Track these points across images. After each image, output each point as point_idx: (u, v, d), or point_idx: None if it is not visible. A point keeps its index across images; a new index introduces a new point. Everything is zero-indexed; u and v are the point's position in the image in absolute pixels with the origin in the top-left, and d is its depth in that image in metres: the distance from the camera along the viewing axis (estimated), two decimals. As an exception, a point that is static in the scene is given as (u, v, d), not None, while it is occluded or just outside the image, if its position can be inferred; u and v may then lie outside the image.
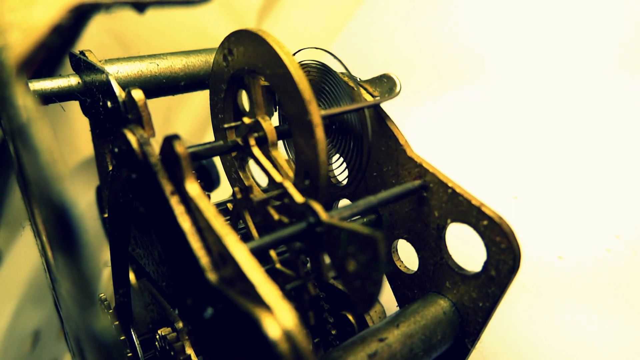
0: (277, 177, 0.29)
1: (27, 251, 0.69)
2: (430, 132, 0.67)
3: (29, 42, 0.18)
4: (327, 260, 0.26)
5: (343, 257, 0.24)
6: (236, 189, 0.31)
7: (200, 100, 0.79)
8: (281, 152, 0.32)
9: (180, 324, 0.36)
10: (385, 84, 0.34)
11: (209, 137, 0.79)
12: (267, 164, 0.30)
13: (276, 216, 0.28)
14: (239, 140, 0.31)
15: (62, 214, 0.16)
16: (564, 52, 0.66)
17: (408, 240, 0.35)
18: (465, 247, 0.34)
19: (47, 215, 0.17)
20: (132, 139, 0.26)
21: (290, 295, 0.28)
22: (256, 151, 0.31)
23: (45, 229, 0.24)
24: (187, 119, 0.81)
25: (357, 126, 0.34)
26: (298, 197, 0.27)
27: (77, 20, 0.21)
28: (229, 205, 0.33)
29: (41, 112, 0.17)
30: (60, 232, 0.16)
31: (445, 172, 0.32)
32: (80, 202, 0.16)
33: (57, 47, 0.22)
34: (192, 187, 0.25)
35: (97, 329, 0.15)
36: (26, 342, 0.69)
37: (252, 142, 0.31)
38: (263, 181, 0.48)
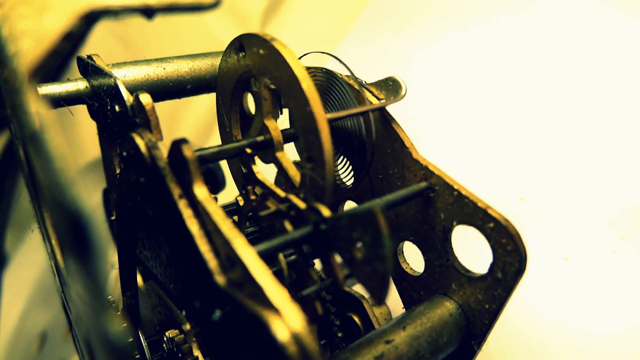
0: (281, 193, 0.29)
1: (34, 253, 0.70)
2: (432, 131, 0.68)
3: (40, 50, 0.19)
4: (338, 260, 0.27)
5: (350, 246, 0.24)
6: (239, 198, 0.32)
7: (205, 102, 0.79)
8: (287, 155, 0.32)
9: (188, 326, 0.36)
10: (391, 87, 0.35)
11: (214, 138, 0.80)
12: (269, 184, 0.30)
13: (290, 228, 0.28)
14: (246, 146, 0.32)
15: (75, 219, 0.16)
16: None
17: (414, 242, 0.35)
18: (471, 249, 0.34)
19: (59, 220, 0.17)
20: (140, 143, 0.27)
21: (297, 297, 0.29)
22: (260, 176, 0.31)
23: (56, 233, 0.24)
24: (192, 121, 0.81)
25: (362, 129, 0.35)
26: (301, 205, 0.27)
27: (86, 27, 0.21)
28: (240, 200, 0.33)
29: (54, 118, 0.17)
30: (72, 236, 0.16)
31: (450, 173, 0.32)
32: (87, 205, 0.16)
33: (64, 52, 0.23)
34: (200, 191, 0.25)
35: (109, 332, 0.16)
36: (33, 343, 0.69)
37: (255, 169, 0.31)
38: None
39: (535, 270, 0.50)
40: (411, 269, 0.37)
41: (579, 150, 0.59)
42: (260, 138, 0.32)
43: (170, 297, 0.39)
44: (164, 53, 0.41)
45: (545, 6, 0.70)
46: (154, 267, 0.36)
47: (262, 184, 0.31)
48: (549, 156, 0.60)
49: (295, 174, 0.30)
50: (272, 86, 0.32)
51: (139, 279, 0.42)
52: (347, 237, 0.25)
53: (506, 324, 0.37)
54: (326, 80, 0.35)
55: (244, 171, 0.32)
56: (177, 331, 0.36)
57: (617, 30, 0.64)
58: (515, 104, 0.66)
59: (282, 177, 0.31)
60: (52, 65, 0.19)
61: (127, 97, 0.30)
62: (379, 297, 0.24)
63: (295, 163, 0.31)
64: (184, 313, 0.37)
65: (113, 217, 0.44)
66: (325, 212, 0.26)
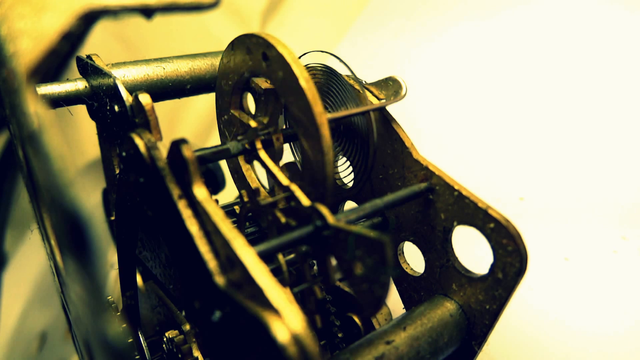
0: (284, 181, 0.29)
1: (34, 253, 0.70)
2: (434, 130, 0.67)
3: (39, 50, 0.18)
4: (333, 262, 0.26)
5: (350, 260, 0.24)
6: (243, 192, 0.32)
7: (205, 102, 0.79)
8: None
9: (188, 327, 0.36)
10: (391, 87, 0.34)
11: (214, 138, 0.80)
12: (274, 168, 0.30)
13: (283, 219, 0.28)
14: (245, 143, 0.32)
15: (74, 220, 0.16)
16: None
17: (414, 242, 0.35)
18: (472, 249, 0.34)
19: (58, 220, 0.17)
20: (139, 143, 0.26)
21: (297, 297, 0.28)
22: (263, 154, 0.31)
23: (55, 233, 0.24)
24: (192, 120, 0.81)
25: (362, 129, 0.34)
26: (305, 201, 0.27)
27: (85, 27, 0.21)
28: (236, 208, 0.33)
29: (52, 119, 0.17)
30: (72, 237, 0.16)
31: (450, 172, 0.32)
32: (86, 205, 0.16)
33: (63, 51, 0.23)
34: (200, 191, 0.25)
35: (109, 334, 0.16)
36: (33, 343, 0.69)
37: (258, 145, 0.31)
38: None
39: (536, 270, 0.50)
40: (411, 269, 0.37)
41: (579, 150, 0.59)
42: (260, 138, 0.31)
43: (170, 297, 0.39)
44: (164, 53, 0.41)
45: (545, 2, 0.70)
46: (153, 267, 0.36)
47: (262, 163, 0.30)
48: (549, 156, 0.60)
49: (281, 176, 0.30)
50: (271, 86, 0.32)
51: (139, 279, 0.42)
52: (350, 252, 0.24)
53: (507, 324, 0.36)
54: (326, 79, 0.35)
55: (247, 147, 0.31)
56: (176, 332, 0.36)
57: (619, 27, 0.64)
58: (515, 104, 0.66)
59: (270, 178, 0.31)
60: (51, 65, 0.19)
61: (127, 97, 0.30)
62: (369, 313, 0.24)
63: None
64: (183, 313, 0.37)
65: (112, 218, 0.44)
66: (330, 218, 0.26)
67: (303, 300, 0.29)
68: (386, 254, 0.22)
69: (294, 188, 0.28)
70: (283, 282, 0.27)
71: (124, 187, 0.31)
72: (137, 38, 0.75)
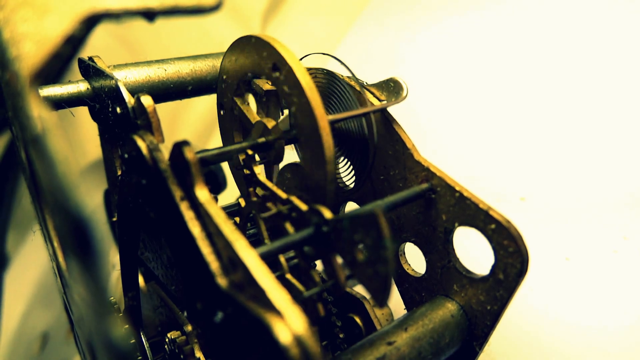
0: (282, 195, 0.29)
1: (35, 254, 0.70)
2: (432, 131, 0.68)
3: (42, 53, 0.19)
4: (339, 261, 0.27)
5: (351, 247, 0.24)
6: (241, 200, 0.32)
7: (206, 103, 0.79)
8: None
9: (190, 327, 0.36)
10: (392, 88, 0.34)
11: (215, 139, 0.80)
12: (271, 185, 0.30)
13: (291, 230, 0.28)
14: (247, 145, 0.32)
15: (76, 222, 0.16)
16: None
17: (415, 243, 0.35)
18: (473, 250, 0.34)
19: (62, 222, 0.17)
20: (142, 145, 0.27)
21: (298, 299, 0.28)
22: (261, 177, 0.31)
23: (58, 235, 0.24)
24: (193, 121, 0.81)
25: (363, 130, 0.35)
26: (303, 206, 0.27)
27: (87, 29, 0.21)
28: (241, 201, 0.33)
29: (56, 122, 0.17)
30: (74, 239, 0.16)
31: (450, 172, 0.32)
32: (88, 206, 0.16)
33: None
34: (202, 193, 0.25)
35: (112, 335, 0.16)
36: (35, 344, 0.69)
37: (256, 170, 0.31)
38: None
39: (537, 270, 0.50)
40: (413, 270, 0.37)
41: (580, 150, 0.59)
42: (261, 140, 0.32)
43: (172, 298, 0.39)
44: (165, 54, 0.41)
45: None
46: (155, 268, 0.36)
47: (263, 186, 0.31)
48: (549, 156, 0.60)
49: (279, 191, 0.30)
50: (272, 87, 0.32)
51: (141, 280, 0.42)
52: (349, 239, 0.24)
53: (508, 324, 0.37)
54: (327, 82, 0.35)
55: (246, 172, 0.32)
56: (178, 332, 0.36)
57: (622, 24, 0.64)
58: (516, 104, 0.66)
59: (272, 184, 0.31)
60: (54, 68, 0.19)
61: (128, 99, 0.30)
62: (381, 300, 0.24)
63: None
64: (185, 314, 0.37)
65: (114, 219, 0.44)
66: (327, 213, 0.26)
67: (305, 302, 0.29)
68: (381, 225, 0.22)
69: (293, 199, 0.28)
70: (282, 278, 0.27)
71: (126, 188, 0.31)
72: (138, 40, 0.75)
